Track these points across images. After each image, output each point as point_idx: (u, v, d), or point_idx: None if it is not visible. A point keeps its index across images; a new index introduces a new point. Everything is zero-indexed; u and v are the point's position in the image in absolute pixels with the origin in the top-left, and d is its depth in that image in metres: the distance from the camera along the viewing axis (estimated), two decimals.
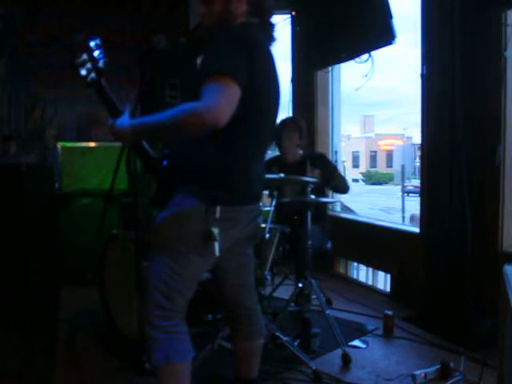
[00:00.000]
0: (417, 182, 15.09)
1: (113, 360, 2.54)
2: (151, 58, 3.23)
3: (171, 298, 1.59)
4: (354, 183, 34.17)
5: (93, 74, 1.59)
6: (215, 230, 1.54)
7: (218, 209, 1.55)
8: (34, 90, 5.72)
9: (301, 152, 3.30)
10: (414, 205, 8.92)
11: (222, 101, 1.41)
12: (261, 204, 1.86)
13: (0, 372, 2.44)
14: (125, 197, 3.34)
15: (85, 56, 1.59)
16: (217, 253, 1.56)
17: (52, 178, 3.93)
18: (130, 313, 2.56)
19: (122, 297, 2.71)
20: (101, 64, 1.60)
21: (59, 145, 4.32)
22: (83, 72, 1.59)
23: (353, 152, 41.23)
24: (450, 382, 2.31)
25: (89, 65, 1.59)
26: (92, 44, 1.60)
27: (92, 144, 4.51)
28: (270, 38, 1.73)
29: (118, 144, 2.35)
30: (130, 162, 2.16)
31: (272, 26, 1.72)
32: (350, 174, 35.23)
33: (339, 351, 2.61)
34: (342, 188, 3.27)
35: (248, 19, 1.66)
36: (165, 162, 1.73)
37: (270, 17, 1.72)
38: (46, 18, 5.12)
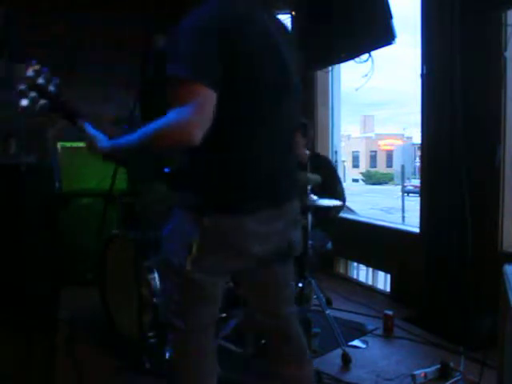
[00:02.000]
0: (417, 182, 15.10)
1: (113, 360, 2.54)
2: (153, 57, 3.23)
3: (184, 317, 1.47)
4: (354, 183, 34.19)
5: (42, 101, 1.41)
6: (205, 242, 1.37)
7: (207, 219, 1.35)
8: None
9: (306, 152, 3.30)
10: (414, 205, 8.91)
11: (194, 116, 1.22)
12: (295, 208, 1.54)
13: (0, 372, 2.43)
14: (125, 197, 3.34)
15: (22, 86, 1.38)
16: (214, 266, 1.41)
17: (52, 177, 3.92)
18: (130, 313, 2.57)
19: (122, 297, 2.71)
20: (52, 88, 1.43)
21: (59, 145, 4.31)
22: (24, 103, 1.38)
23: (353, 152, 41.23)
24: (450, 381, 2.31)
25: (32, 94, 1.39)
26: (30, 73, 1.38)
27: None
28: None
29: None
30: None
31: None
32: (349, 173, 35.28)
33: (339, 351, 2.62)
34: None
35: None
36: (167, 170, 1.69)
37: None
38: (46, 18, 5.11)
